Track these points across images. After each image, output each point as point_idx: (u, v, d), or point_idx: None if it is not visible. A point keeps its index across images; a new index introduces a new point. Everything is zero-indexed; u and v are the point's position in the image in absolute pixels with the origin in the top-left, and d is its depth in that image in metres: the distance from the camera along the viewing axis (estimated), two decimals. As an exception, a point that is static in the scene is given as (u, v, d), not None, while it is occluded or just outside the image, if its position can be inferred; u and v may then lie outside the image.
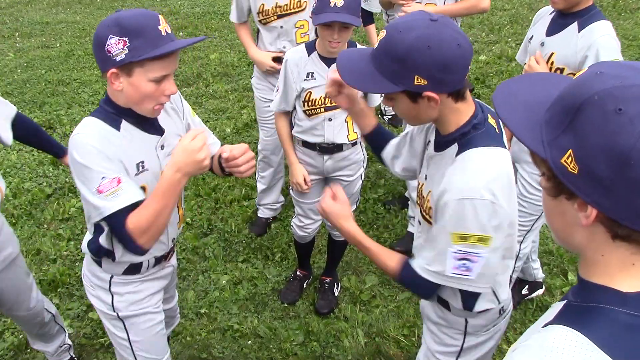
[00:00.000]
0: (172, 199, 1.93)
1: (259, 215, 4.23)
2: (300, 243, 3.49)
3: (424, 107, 1.66)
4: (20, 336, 3.24)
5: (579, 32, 2.60)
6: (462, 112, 1.70)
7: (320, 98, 2.91)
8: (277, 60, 3.55)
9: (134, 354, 2.29)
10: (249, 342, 3.24)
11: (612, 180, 0.85)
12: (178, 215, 2.24)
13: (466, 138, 1.69)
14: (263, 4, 3.46)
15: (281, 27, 3.52)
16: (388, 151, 2.16)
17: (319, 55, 2.89)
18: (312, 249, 3.64)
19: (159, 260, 2.24)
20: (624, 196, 0.86)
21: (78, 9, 9.77)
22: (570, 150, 0.89)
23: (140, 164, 1.98)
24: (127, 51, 1.79)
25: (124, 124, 1.95)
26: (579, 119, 0.88)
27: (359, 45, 2.99)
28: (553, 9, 2.77)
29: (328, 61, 2.88)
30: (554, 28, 2.73)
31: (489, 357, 2.09)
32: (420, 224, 1.97)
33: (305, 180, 3.07)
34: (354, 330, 3.29)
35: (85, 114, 5.88)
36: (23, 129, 2.71)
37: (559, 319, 0.95)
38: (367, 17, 4.73)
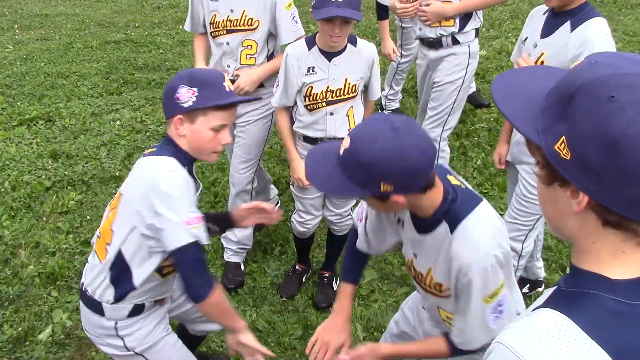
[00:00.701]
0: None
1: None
2: (299, 238, 3.49)
3: (392, 205, 1.69)
4: (19, 329, 3.25)
5: (571, 31, 2.54)
6: (434, 196, 1.71)
7: (321, 92, 2.91)
8: None
9: None
10: (248, 335, 3.25)
11: (603, 166, 0.86)
12: None
13: (451, 214, 1.72)
14: (215, 15, 3.22)
15: (227, 43, 3.26)
16: (362, 242, 2.18)
17: (319, 49, 2.89)
18: (312, 244, 3.64)
19: (159, 301, 2.32)
20: (614, 183, 0.87)
21: (77, 2, 9.73)
22: (563, 136, 0.90)
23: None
24: (195, 99, 2.02)
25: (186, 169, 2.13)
26: (572, 107, 0.90)
27: (359, 40, 2.97)
28: (546, 9, 2.72)
29: (329, 55, 2.88)
30: (548, 29, 2.68)
31: None
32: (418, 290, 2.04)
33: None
34: (353, 324, 3.29)
35: (84, 106, 5.87)
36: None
37: (547, 303, 0.97)
38: (382, 11, 4.63)
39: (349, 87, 2.92)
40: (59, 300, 3.45)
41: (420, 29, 3.75)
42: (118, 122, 5.59)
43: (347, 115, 2.99)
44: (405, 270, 3.68)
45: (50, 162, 4.95)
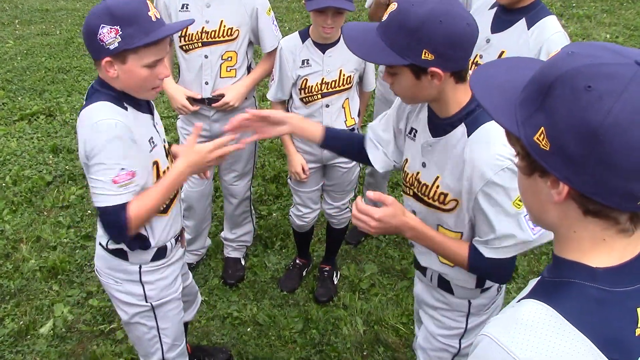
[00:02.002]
0: (174, 191, 2.08)
1: None
2: (299, 232, 3.49)
3: (425, 85, 1.66)
4: (21, 322, 3.26)
5: (528, 28, 2.53)
6: (463, 93, 1.71)
7: (316, 85, 2.91)
8: (195, 101, 3.10)
9: (160, 342, 2.33)
10: (248, 329, 3.26)
11: (582, 156, 0.87)
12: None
13: (473, 116, 1.70)
14: (187, 26, 2.91)
15: (205, 56, 3.03)
16: (374, 138, 2.10)
17: (313, 41, 2.89)
18: (311, 238, 3.64)
19: (177, 240, 2.30)
20: (593, 172, 0.87)
21: (78, -3, 9.72)
22: (542, 127, 0.91)
23: (151, 140, 2.07)
24: (120, 39, 1.85)
25: (127, 105, 2.01)
26: (550, 97, 0.90)
27: None
28: (491, 4, 2.68)
29: (322, 47, 2.88)
30: (500, 24, 2.62)
31: None
32: (415, 213, 1.95)
33: (303, 169, 3.07)
34: (353, 318, 3.31)
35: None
36: None
37: (531, 294, 0.98)
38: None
39: (343, 79, 2.92)
40: (60, 294, 3.46)
41: None
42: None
43: (343, 107, 2.99)
44: (405, 264, 3.69)
45: (51, 156, 4.95)
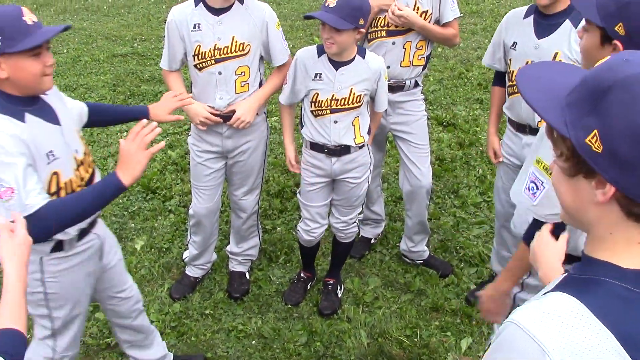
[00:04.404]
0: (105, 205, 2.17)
1: (186, 272, 3.71)
2: (305, 247, 3.52)
3: (605, 54, 1.75)
4: (28, 335, 3.27)
5: (575, 28, 2.63)
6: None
7: (326, 100, 2.95)
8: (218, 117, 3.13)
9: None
10: (253, 342, 3.28)
11: (634, 159, 0.90)
12: None
13: None
14: (200, 45, 3.00)
15: (219, 73, 3.06)
16: None
17: (328, 58, 2.93)
18: (317, 252, 3.67)
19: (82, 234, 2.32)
20: None
21: (85, 16, 9.85)
22: (595, 130, 0.94)
23: (50, 154, 2.09)
24: (0, 44, 1.92)
25: (28, 116, 2.06)
26: (605, 101, 0.93)
27: (368, 53, 2.97)
28: (525, 13, 2.83)
29: (336, 64, 2.92)
30: (544, 30, 2.77)
31: None
32: None
33: (295, 159, 3.23)
34: (357, 331, 3.32)
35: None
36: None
37: (558, 288, 1.01)
38: None
39: (353, 97, 2.96)
40: (66, 308, 3.49)
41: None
42: (125, 134, 5.65)
43: (353, 125, 3.02)
44: (409, 277, 3.72)
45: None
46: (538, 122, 2.87)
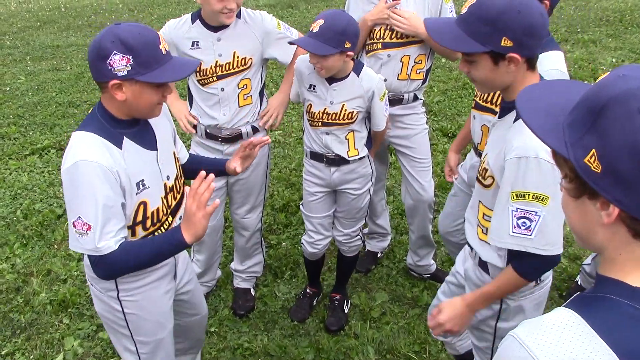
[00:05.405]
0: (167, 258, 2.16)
1: None
2: (310, 261, 3.48)
3: (502, 71, 1.82)
4: (31, 356, 3.25)
5: None
6: (530, 81, 1.83)
7: (319, 112, 2.94)
8: (209, 137, 3.16)
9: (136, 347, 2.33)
10: (259, 360, 3.23)
11: (635, 177, 0.87)
12: None
13: None
14: (201, 62, 2.80)
15: (222, 89, 3.03)
16: None
17: None
18: (322, 267, 3.63)
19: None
20: None
21: (88, 32, 9.90)
22: (593, 149, 0.91)
23: (141, 183, 2.03)
24: (130, 68, 1.86)
25: (126, 141, 2.00)
26: (602, 119, 0.90)
27: (364, 70, 2.92)
28: None
29: (330, 79, 2.89)
30: None
31: None
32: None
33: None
34: (365, 347, 3.27)
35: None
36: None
37: (565, 305, 0.99)
38: None
39: (345, 114, 2.92)
40: (70, 327, 3.45)
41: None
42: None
43: (347, 139, 2.99)
44: (416, 291, 3.66)
45: (61, 190, 4.99)
46: (478, 144, 2.81)
